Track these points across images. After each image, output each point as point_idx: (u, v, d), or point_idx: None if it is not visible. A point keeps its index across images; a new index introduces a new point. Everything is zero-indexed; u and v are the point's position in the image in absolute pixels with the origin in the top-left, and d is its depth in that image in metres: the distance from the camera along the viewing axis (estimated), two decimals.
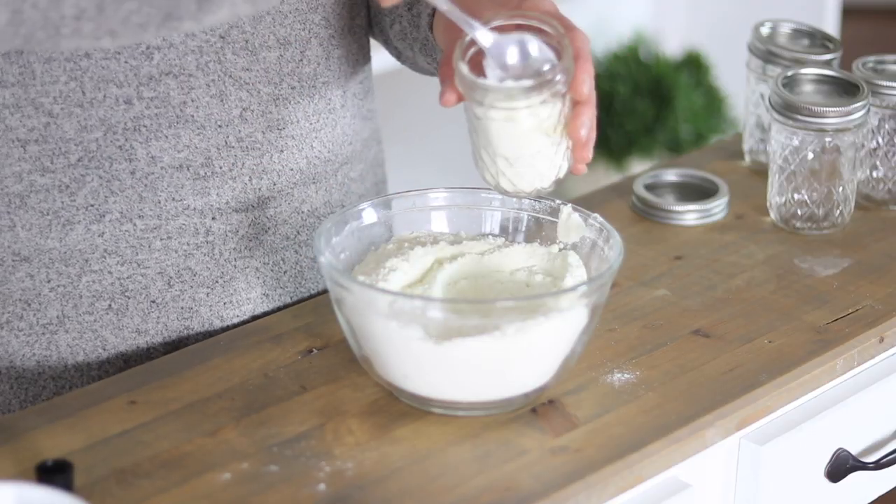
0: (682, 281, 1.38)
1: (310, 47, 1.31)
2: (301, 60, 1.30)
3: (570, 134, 1.18)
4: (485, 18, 1.18)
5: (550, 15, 1.19)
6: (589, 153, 1.19)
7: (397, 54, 1.43)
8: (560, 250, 1.24)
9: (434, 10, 1.30)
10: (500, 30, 1.19)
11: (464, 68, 1.16)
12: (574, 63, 1.16)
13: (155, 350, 1.29)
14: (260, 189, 1.30)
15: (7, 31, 1.05)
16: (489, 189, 1.24)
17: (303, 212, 1.34)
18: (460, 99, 1.19)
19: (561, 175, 1.21)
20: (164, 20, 1.08)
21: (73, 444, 1.13)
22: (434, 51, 1.33)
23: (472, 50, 1.18)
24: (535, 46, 1.18)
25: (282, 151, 1.30)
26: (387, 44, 1.43)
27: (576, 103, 1.18)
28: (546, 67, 1.16)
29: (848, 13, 3.81)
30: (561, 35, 1.17)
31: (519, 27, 1.19)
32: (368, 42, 1.42)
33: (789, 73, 1.47)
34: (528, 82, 1.15)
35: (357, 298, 1.15)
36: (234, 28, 1.25)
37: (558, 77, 1.15)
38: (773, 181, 1.48)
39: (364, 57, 1.40)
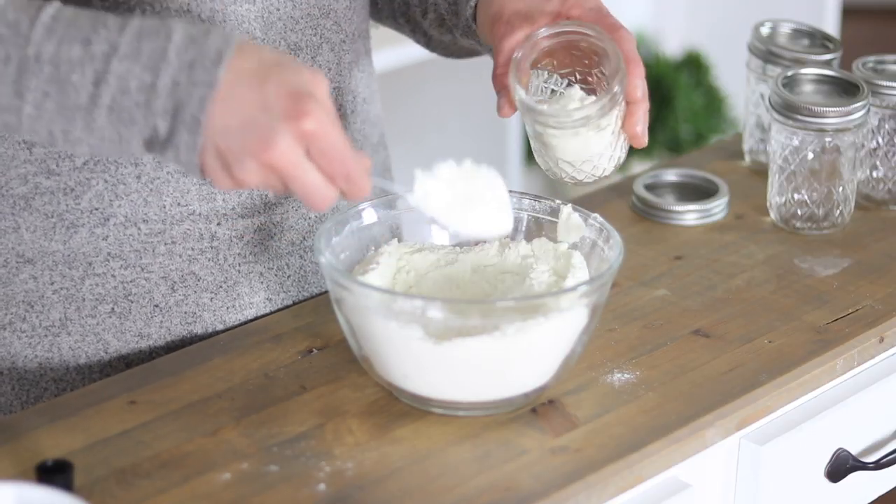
0: (682, 281, 1.38)
1: (321, 53, 1.30)
2: (312, 66, 1.29)
3: (626, 130, 1.23)
4: (523, 38, 1.21)
5: (595, 13, 1.21)
6: (645, 140, 1.25)
7: (426, 41, 1.41)
8: (567, 249, 1.24)
9: (477, 1, 1.30)
10: (547, 40, 1.20)
11: (522, 93, 1.17)
12: (626, 66, 1.19)
13: (157, 354, 1.29)
14: (266, 195, 1.29)
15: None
16: None
17: (310, 217, 1.33)
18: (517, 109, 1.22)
19: (621, 162, 1.26)
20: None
21: (73, 444, 1.13)
22: (477, 35, 1.32)
23: (527, 64, 1.19)
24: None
25: None
26: (415, 32, 1.41)
27: (630, 102, 1.22)
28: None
29: (848, 13, 3.81)
30: (606, 39, 1.19)
31: (558, 34, 1.21)
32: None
33: (789, 73, 1.47)
34: (588, 110, 1.18)
35: (357, 298, 1.15)
36: (244, 34, 1.24)
37: (616, 89, 1.18)
38: (773, 181, 1.48)
39: (370, 60, 1.40)
